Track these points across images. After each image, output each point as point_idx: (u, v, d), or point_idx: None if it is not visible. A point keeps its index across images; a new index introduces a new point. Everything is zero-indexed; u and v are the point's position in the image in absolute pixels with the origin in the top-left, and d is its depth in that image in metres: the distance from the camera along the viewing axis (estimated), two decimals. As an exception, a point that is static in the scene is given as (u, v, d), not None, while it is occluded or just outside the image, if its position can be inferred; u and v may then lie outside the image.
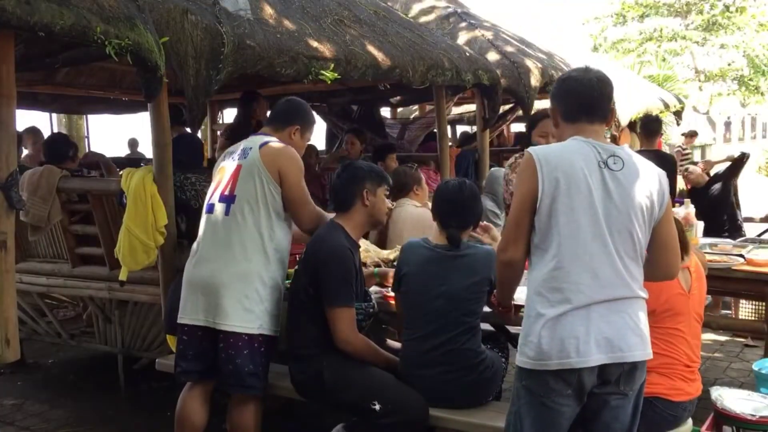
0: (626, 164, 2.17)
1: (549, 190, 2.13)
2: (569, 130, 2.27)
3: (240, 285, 2.98)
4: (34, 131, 6.20)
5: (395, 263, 3.19)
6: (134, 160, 7.59)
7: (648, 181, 2.18)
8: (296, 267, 3.10)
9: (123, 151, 10.92)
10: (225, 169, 3.15)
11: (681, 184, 6.23)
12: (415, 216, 4.16)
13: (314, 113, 3.55)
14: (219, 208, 3.07)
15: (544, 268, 2.16)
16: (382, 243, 4.22)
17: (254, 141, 3.14)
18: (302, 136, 3.26)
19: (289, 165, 3.06)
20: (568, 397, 2.14)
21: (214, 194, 3.14)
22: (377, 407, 2.78)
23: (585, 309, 2.11)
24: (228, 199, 3.05)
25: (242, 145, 3.19)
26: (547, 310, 2.13)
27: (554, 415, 2.16)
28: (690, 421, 2.72)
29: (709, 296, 5.52)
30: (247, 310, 2.97)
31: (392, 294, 3.14)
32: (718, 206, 5.70)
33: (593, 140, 2.20)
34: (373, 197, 3.05)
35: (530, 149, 2.21)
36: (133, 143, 11.44)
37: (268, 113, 4.11)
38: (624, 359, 2.13)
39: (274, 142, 3.11)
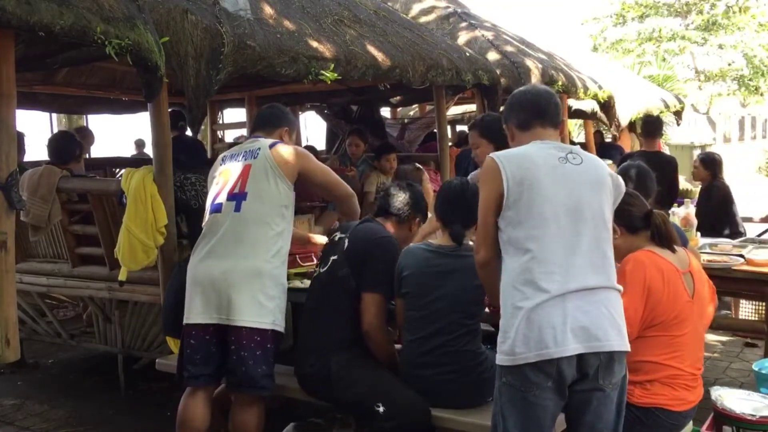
0: (584, 159, 2.31)
1: (514, 187, 2.22)
2: (525, 137, 2.40)
3: (253, 281, 2.99)
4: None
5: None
6: (140, 160, 7.60)
7: (603, 173, 2.32)
8: (318, 265, 3.11)
9: (126, 152, 10.93)
10: (230, 170, 3.17)
11: (684, 184, 6.21)
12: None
13: (313, 113, 3.62)
14: (228, 205, 3.08)
15: (516, 262, 2.22)
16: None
17: (260, 143, 3.19)
18: (290, 137, 3.38)
19: (308, 162, 3.20)
20: (549, 390, 2.17)
21: (220, 193, 3.15)
22: (381, 409, 2.77)
23: (560, 298, 2.15)
24: (238, 197, 3.07)
25: (244, 147, 3.24)
26: (523, 303, 2.17)
27: (537, 409, 2.19)
28: (690, 422, 2.72)
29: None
30: (261, 305, 2.99)
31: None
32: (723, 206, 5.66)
33: (549, 141, 2.34)
34: (416, 228, 3.19)
35: (491, 154, 2.32)
36: (140, 144, 11.43)
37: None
38: (601, 348, 2.16)
39: (281, 145, 3.18)
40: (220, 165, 3.26)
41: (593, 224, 2.23)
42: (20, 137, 5.06)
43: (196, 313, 3.06)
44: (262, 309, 2.99)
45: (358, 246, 2.98)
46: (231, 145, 6.36)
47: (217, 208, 3.13)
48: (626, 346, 2.24)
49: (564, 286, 2.16)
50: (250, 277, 2.99)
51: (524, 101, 2.45)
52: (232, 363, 2.99)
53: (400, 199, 3.15)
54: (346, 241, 3.03)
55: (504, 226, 2.26)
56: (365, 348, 2.97)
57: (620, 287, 2.29)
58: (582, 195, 2.24)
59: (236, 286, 2.98)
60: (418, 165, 4.31)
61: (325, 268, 3.07)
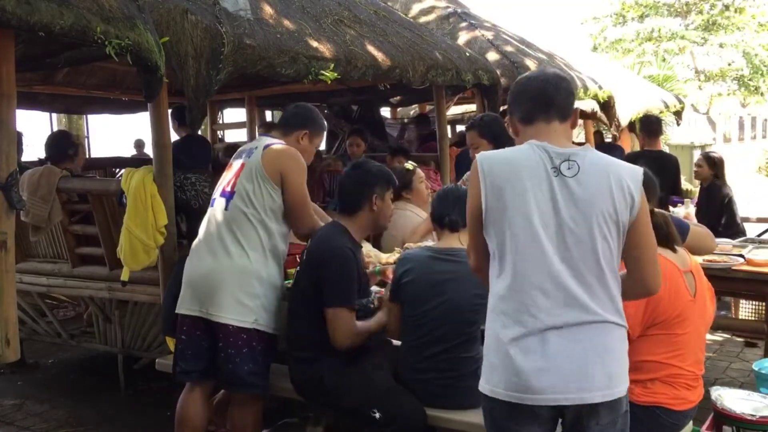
0: (583, 168, 1.94)
1: (492, 201, 1.96)
2: (527, 133, 2.08)
3: (236, 279, 2.99)
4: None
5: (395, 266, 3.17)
6: (140, 160, 7.60)
7: (609, 184, 1.93)
8: (297, 268, 3.09)
9: (126, 152, 10.93)
10: (233, 166, 3.18)
11: (684, 184, 6.20)
12: (416, 225, 4.05)
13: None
14: (220, 203, 3.10)
15: (498, 284, 2.00)
16: (375, 244, 4.14)
17: (261, 142, 3.16)
18: (311, 141, 3.25)
19: (291, 166, 3.07)
20: (530, 426, 1.97)
21: (217, 189, 3.17)
22: (377, 415, 2.76)
23: (539, 336, 1.91)
24: (228, 195, 3.08)
25: (250, 144, 3.24)
26: (502, 332, 1.96)
27: None
28: (690, 422, 2.72)
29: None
30: (242, 304, 2.98)
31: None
32: (724, 205, 5.66)
33: (548, 143, 1.99)
34: (381, 202, 3.01)
35: (478, 155, 2.05)
36: (139, 144, 11.44)
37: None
38: (582, 401, 1.90)
39: (278, 144, 3.12)
40: (232, 159, 3.27)
41: (584, 249, 1.92)
42: (18, 137, 5.07)
43: (183, 303, 3.10)
44: (243, 308, 2.98)
45: (312, 259, 2.95)
46: (229, 146, 6.37)
47: (212, 204, 3.16)
48: (618, 393, 1.94)
49: (543, 321, 1.91)
50: (233, 275, 2.99)
51: (529, 90, 2.10)
52: (220, 360, 3.00)
53: (348, 191, 3.03)
54: (305, 253, 3.01)
55: (488, 240, 2.02)
56: (355, 351, 2.94)
57: (620, 321, 1.98)
58: (571, 215, 1.92)
59: (220, 283, 2.98)
60: (407, 165, 4.27)
61: (293, 281, 3.07)
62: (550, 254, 1.92)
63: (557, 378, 1.89)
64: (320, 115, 3.37)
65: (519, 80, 2.19)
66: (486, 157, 2.02)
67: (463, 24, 7.46)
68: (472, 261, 2.17)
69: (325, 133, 3.42)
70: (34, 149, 6.37)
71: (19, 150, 5.14)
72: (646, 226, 2.00)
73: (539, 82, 2.10)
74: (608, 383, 1.93)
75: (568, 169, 1.95)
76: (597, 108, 8.69)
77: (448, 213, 2.89)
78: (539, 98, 2.07)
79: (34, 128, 9.07)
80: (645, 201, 1.99)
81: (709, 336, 5.26)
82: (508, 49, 6.97)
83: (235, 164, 3.17)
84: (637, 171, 1.99)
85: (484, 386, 2.03)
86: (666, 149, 11.01)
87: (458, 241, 2.89)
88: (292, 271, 3.43)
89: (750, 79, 23.50)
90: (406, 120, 9.65)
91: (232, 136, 9.69)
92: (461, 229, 2.89)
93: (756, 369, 3.29)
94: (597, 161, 1.98)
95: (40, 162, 5.12)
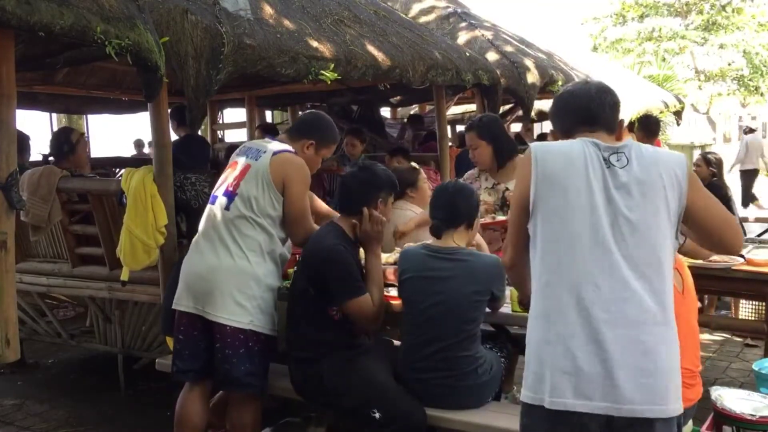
0: (632, 160, 1.91)
1: (543, 191, 1.92)
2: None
3: (233, 279, 2.98)
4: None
5: (395, 265, 3.17)
6: (140, 160, 7.60)
7: (660, 175, 1.90)
8: (295, 268, 3.10)
9: (125, 152, 10.95)
10: (237, 164, 3.15)
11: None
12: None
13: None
14: (221, 201, 3.08)
15: (539, 281, 1.92)
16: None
17: (270, 146, 3.12)
18: (316, 151, 3.21)
19: (294, 175, 3.04)
20: None
21: (220, 187, 3.15)
22: (377, 415, 2.77)
23: (591, 335, 1.80)
24: (231, 195, 3.07)
25: (257, 144, 3.21)
26: (544, 334, 1.87)
27: None
28: (690, 421, 2.72)
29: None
30: (239, 304, 2.98)
31: (392, 294, 3.12)
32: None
33: (596, 140, 1.97)
34: (383, 207, 3.00)
35: (532, 144, 2.02)
36: (139, 144, 11.46)
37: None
38: (634, 414, 1.77)
39: (287, 152, 3.09)
40: (235, 156, 3.23)
41: (639, 240, 1.85)
42: (25, 139, 5.07)
43: (179, 300, 3.10)
44: (239, 308, 2.98)
45: (307, 259, 2.96)
46: (230, 147, 6.36)
47: (212, 201, 3.15)
48: (672, 410, 1.81)
49: (597, 317, 1.80)
50: (232, 275, 2.99)
51: (571, 105, 2.06)
52: (217, 360, 3.01)
53: (352, 192, 3.00)
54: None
55: (531, 233, 1.96)
56: (355, 351, 2.95)
57: (671, 322, 1.88)
58: (626, 204, 1.86)
59: (218, 282, 2.98)
60: (414, 164, 4.27)
61: (291, 282, 3.08)
62: (605, 245, 1.85)
63: (611, 385, 1.78)
64: (333, 126, 3.30)
65: (561, 94, 2.13)
66: (539, 147, 1.98)
67: (463, 24, 7.46)
68: (508, 256, 2.11)
69: (334, 145, 3.38)
70: (33, 149, 6.35)
71: (26, 152, 5.15)
72: (705, 199, 1.96)
73: (582, 98, 2.04)
74: (663, 395, 1.80)
75: (617, 160, 1.92)
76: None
77: (437, 216, 2.89)
78: (582, 114, 2.03)
79: (34, 128, 9.04)
80: (693, 178, 1.95)
81: (709, 336, 5.27)
82: (508, 49, 6.97)
83: (240, 162, 3.13)
84: (682, 158, 1.98)
85: (526, 394, 1.89)
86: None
87: (452, 240, 2.90)
88: (292, 271, 3.44)
89: (750, 79, 23.52)
90: (405, 120, 9.66)
91: (232, 136, 9.69)
92: (444, 233, 2.89)
93: (756, 369, 3.29)
94: (644, 153, 1.94)
95: (44, 159, 5.12)
